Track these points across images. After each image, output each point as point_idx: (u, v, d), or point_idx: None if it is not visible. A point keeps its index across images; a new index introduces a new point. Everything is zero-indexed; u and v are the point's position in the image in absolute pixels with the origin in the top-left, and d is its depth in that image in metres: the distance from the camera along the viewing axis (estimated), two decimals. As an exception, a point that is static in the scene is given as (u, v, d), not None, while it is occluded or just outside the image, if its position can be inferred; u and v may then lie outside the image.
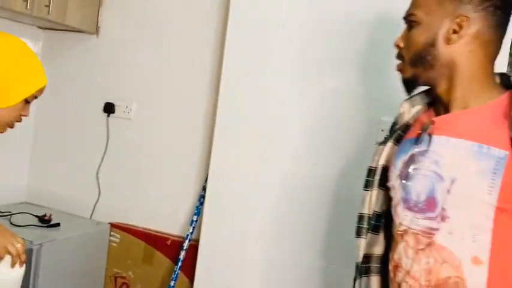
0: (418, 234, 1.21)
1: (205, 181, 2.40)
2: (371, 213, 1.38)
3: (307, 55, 2.16)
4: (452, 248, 1.16)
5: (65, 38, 2.79)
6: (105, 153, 2.67)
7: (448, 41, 1.18)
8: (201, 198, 2.43)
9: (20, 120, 1.57)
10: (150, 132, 2.61)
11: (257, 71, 2.24)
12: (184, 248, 2.44)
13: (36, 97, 1.59)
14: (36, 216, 2.46)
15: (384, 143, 1.38)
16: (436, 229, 1.18)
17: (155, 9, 2.58)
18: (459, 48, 1.18)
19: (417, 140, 1.25)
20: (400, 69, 1.28)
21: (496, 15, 1.17)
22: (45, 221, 2.44)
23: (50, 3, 2.30)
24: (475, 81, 1.19)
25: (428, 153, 1.21)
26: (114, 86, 2.68)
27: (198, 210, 2.44)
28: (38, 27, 2.78)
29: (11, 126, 1.55)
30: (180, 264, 2.43)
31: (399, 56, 1.28)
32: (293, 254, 2.19)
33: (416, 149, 1.24)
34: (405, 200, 1.24)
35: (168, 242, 2.51)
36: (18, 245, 1.46)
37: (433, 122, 1.22)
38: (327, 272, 2.13)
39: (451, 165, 1.16)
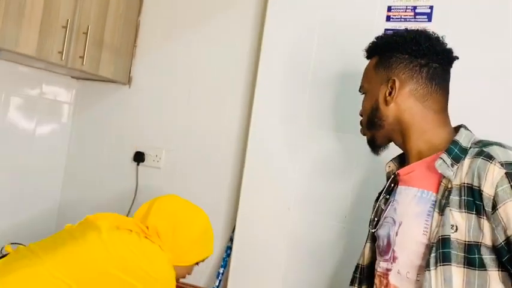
0: (380, 275, 1.35)
1: (233, 232, 2.36)
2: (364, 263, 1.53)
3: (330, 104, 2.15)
4: (402, 286, 1.27)
5: (98, 87, 2.85)
6: (133, 202, 2.67)
7: (385, 102, 1.34)
8: (228, 249, 2.40)
9: (184, 277, 1.96)
10: (179, 181, 2.60)
11: (287, 120, 2.24)
12: (211, 301, 2.39)
13: (203, 261, 1.96)
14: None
15: (376, 200, 1.50)
16: (390, 270, 1.31)
17: (186, 59, 2.62)
18: (398, 107, 1.33)
19: (386, 191, 1.42)
20: (363, 133, 1.47)
21: (423, 72, 1.32)
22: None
23: (84, 54, 2.35)
24: (423, 133, 1.32)
25: (392, 202, 1.36)
26: (145, 134, 2.71)
27: (225, 263, 2.40)
28: (72, 77, 2.85)
29: (178, 280, 1.86)
30: (206, 317, 2.38)
31: (361, 123, 1.47)
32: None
33: (384, 199, 1.42)
34: (378, 247, 1.40)
35: (195, 295, 2.47)
36: None
37: (398, 174, 1.37)
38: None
39: (402, 210, 1.31)
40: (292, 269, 2.20)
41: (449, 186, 1.20)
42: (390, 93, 1.33)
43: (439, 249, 1.17)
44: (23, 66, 2.54)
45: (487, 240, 1.14)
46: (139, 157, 2.68)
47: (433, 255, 1.18)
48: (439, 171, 1.22)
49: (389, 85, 1.33)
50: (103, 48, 2.51)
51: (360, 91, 1.47)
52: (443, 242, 1.17)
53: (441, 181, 1.23)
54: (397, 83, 1.32)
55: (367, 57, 1.46)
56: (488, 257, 1.14)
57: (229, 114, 2.50)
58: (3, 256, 1.79)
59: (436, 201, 1.23)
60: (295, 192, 2.21)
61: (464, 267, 1.15)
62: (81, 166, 2.86)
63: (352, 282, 1.54)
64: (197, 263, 1.94)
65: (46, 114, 2.77)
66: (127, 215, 2.66)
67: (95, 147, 2.84)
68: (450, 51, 1.36)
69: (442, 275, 1.16)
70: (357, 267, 1.55)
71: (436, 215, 1.21)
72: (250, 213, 2.29)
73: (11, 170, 2.59)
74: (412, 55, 1.32)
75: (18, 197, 2.65)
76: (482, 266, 1.14)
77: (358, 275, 1.53)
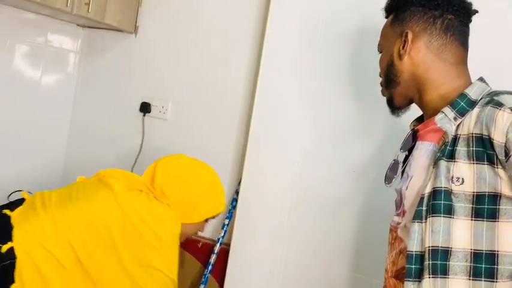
0: (392, 229, 1.36)
1: (239, 184, 2.37)
2: None
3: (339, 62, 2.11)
4: (407, 240, 1.23)
5: (104, 36, 2.81)
6: (139, 152, 2.67)
7: (399, 57, 1.32)
8: (234, 201, 2.40)
9: (196, 234, 2.03)
10: (185, 133, 2.59)
11: (295, 74, 2.21)
12: (215, 251, 2.41)
13: (214, 217, 1.97)
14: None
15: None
16: (399, 223, 1.31)
17: (193, 9, 2.57)
18: (412, 60, 1.31)
19: (404, 147, 1.39)
20: (382, 93, 1.44)
21: (437, 23, 1.29)
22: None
23: (90, 1, 2.30)
24: (439, 87, 1.29)
25: (410, 158, 1.34)
26: (151, 85, 2.68)
27: (230, 214, 2.41)
28: (77, 25, 2.80)
29: (188, 238, 1.94)
30: (210, 268, 2.41)
31: (381, 84, 1.44)
32: (323, 263, 2.15)
33: (402, 155, 1.39)
34: (395, 201, 1.39)
35: (199, 245, 2.49)
36: None
37: (417, 130, 1.34)
38: (356, 282, 2.09)
39: (415, 164, 1.30)
40: (297, 222, 2.20)
41: (447, 140, 1.18)
42: (403, 47, 1.31)
43: (430, 201, 1.16)
44: (28, 12, 2.50)
45: (507, 190, 1.09)
46: (145, 108, 2.66)
47: (424, 208, 1.17)
48: (438, 125, 1.21)
49: (403, 38, 1.31)
50: (109, -5, 2.45)
51: (378, 50, 1.44)
52: (434, 194, 1.16)
53: (443, 135, 1.22)
54: (409, 35, 1.29)
55: (386, 16, 1.43)
56: (509, 208, 1.09)
57: (237, 66, 2.46)
58: (15, 201, 1.81)
59: (434, 155, 1.23)
60: (302, 148, 2.19)
61: (472, 219, 1.13)
62: (87, 115, 2.85)
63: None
64: (207, 220, 1.95)
65: (52, 63, 2.74)
66: (133, 166, 2.67)
67: (100, 96, 2.82)
68: (468, 3, 1.32)
69: (430, 226, 1.15)
70: None
71: (431, 168, 1.21)
72: (256, 167, 2.28)
73: (17, 118, 2.58)
74: (426, 7, 1.30)
75: (24, 146, 2.65)
76: (492, 216, 1.11)
77: None
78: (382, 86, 1.43)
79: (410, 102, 1.40)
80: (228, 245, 2.35)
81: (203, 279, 2.41)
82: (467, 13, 1.33)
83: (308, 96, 2.19)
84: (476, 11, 1.34)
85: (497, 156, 1.09)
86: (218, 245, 2.42)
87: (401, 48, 1.31)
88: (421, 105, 1.36)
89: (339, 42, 2.13)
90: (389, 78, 1.36)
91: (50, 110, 2.77)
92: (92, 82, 2.85)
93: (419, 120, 1.42)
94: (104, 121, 2.80)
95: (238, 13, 2.46)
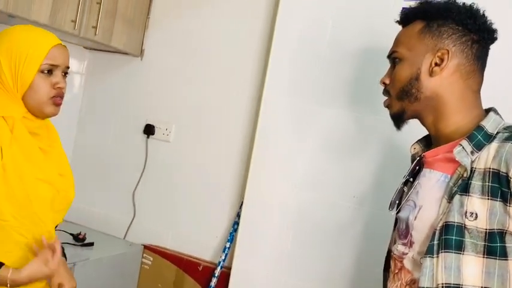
0: (396, 259, 1.31)
1: (240, 208, 2.37)
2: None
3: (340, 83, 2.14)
4: (415, 272, 1.23)
5: (110, 58, 2.84)
6: (142, 174, 2.68)
7: (431, 73, 1.25)
8: (235, 224, 2.41)
9: (56, 95, 1.49)
10: (188, 156, 2.61)
11: (298, 97, 2.23)
12: (216, 275, 2.41)
13: (53, 65, 1.47)
14: (71, 234, 2.46)
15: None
16: (406, 254, 1.27)
17: (197, 34, 2.61)
18: (441, 80, 1.24)
19: (410, 174, 1.35)
20: (388, 104, 1.35)
21: (474, 48, 1.24)
22: (79, 240, 2.44)
23: (97, 24, 2.34)
24: (457, 113, 1.25)
25: (415, 185, 1.30)
26: (155, 108, 2.70)
27: (232, 237, 2.41)
28: (84, 47, 2.84)
29: (56, 103, 1.50)
30: (211, 291, 2.41)
31: (386, 92, 1.35)
32: (327, 287, 2.14)
33: (408, 183, 1.35)
34: (397, 229, 1.35)
35: (200, 268, 2.49)
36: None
37: (424, 156, 1.30)
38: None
39: (424, 194, 1.25)
40: (298, 246, 2.20)
41: (464, 175, 1.15)
42: (437, 64, 1.24)
43: (442, 236, 1.14)
44: (36, 34, 2.53)
45: None
46: (149, 130, 2.68)
47: (436, 242, 1.15)
48: (456, 158, 1.17)
49: (438, 55, 1.24)
50: (116, 18, 2.49)
51: (390, 57, 1.35)
52: (446, 229, 1.14)
53: (457, 167, 1.18)
54: (450, 55, 1.23)
55: (404, 22, 1.34)
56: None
57: (240, 90, 2.49)
58: None
59: (447, 187, 1.19)
60: (302, 171, 2.21)
61: (484, 256, 1.11)
62: (92, 136, 2.87)
63: (385, 268, 1.46)
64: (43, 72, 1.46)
65: (58, 84, 2.76)
66: (136, 187, 2.68)
67: (105, 118, 2.84)
68: (496, 31, 1.28)
69: (443, 262, 1.14)
70: (387, 251, 1.47)
71: (444, 201, 1.18)
72: (257, 190, 2.29)
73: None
74: (466, 28, 1.24)
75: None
76: (504, 255, 1.10)
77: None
78: (389, 96, 1.34)
79: (415, 118, 1.33)
80: (229, 268, 2.35)
81: (203, 303, 2.41)
82: (494, 40, 1.30)
83: (310, 120, 2.21)
84: (497, 38, 1.30)
85: (510, 194, 1.09)
86: (219, 268, 2.41)
87: (433, 64, 1.24)
88: (431, 128, 1.30)
89: (342, 65, 2.16)
90: (408, 92, 1.28)
91: (54, 130, 2.78)
92: (97, 103, 2.88)
93: (423, 142, 1.39)
94: (108, 142, 2.82)
95: (242, 38, 2.49)
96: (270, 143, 2.28)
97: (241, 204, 2.35)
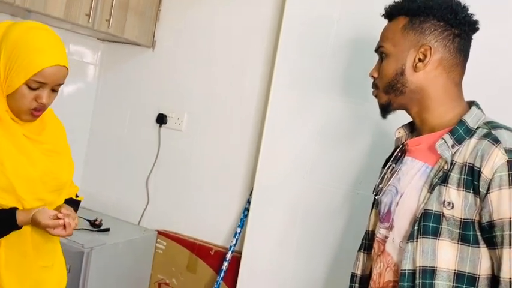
0: (379, 241, 1.39)
1: (250, 194, 2.44)
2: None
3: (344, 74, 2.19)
4: (394, 255, 1.32)
5: (123, 49, 2.91)
6: (155, 162, 2.76)
7: (415, 69, 1.30)
8: (246, 210, 2.48)
9: (36, 108, 1.48)
10: (199, 144, 2.68)
11: (305, 89, 2.28)
12: (227, 259, 2.49)
13: (41, 83, 1.45)
14: (88, 220, 2.55)
15: (384, 166, 1.50)
16: (387, 237, 1.35)
17: (208, 25, 2.66)
18: (425, 74, 1.30)
19: (394, 159, 1.42)
20: (376, 95, 1.41)
21: (456, 42, 1.29)
22: (96, 226, 2.53)
23: (110, 17, 2.41)
24: (441, 105, 1.31)
25: (397, 172, 1.38)
26: (167, 97, 2.77)
27: (242, 223, 2.49)
28: (97, 38, 2.91)
29: (34, 115, 1.49)
30: (222, 274, 2.49)
31: (374, 85, 1.40)
32: (331, 272, 2.21)
33: (391, 168, 1.42)
34: (378, 212, 1.43)
35: (212, 252, 2.57)
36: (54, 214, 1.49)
37: (406, 144, 1.37)
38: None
39: (406, 182, 1.33)
40: (306, 232, 2.27)
41: (445, 167, 1.22)
42: (421, 60, 1.29)
43: (421, 223, 1.22)
44: (51, 27, 2.57)
45: (478, 218, 1.18)
46: (161, 119, 2.75)
47: (416, 228, 1.23)
48: (438, 152, 1.23)
49: (421, 51, 1.29)
50: (128, 11, 2.56)
51: (377, 52, 1.40)
52: (425, 216, 1.22)
53: (439, 159, 1.25)
54: (432, 50, 1.28)
55: (389, 17, 1.38)
56: (480, 234, 1.19)
57: (251, 80, 2.55)
58: None
59: (428, 177, 1.26)
60: (311, 159, 2.27)
61: (458, 243, 1.20)
62: (106, 126, 2.96)
63: (360, 248, 1.55)
64: (30, 87, 1.44)
65: (72, 75, 2.81)
66: (149, 175, 2.76)
67: (118, 107, 2.92)
68: (477, 22, 1.33)
69: (421, 247, 1.22)
70: (365, 233, 1.55)
71: (424, 190, 1.25)
72: (267, 177, 2.36)
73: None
74: (448, 23, 1.28)
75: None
76: (476, 242, 1.19)
77: (365, 241, 1.54)
78: (377, 88, 1.39)
79: (403, 109, 1.38)
80: (240, 252, 2.43)
81: (215, 286, 2.49)
82: (475, 32, 1.34)
83: (317, 111, 2.26)
84: (479, 29, 1.35)
85: (479, 187, 1.17)
86: (230, 252, 2.49)
87: (417, 60, 1.29)
88: (416, 118, 1.36)
89: (347, 61, 2.20)
90: (393, 86, 1.33)
91: (71, 119, 2.83)
92: (111, 93, 2.95)
93: (408, 128, 1.45)
94: (122, 131, 2.90)
95: (252, 29, 2.54)
96: (279, 131, 2.34)
97: (252, 191, 2.42)
